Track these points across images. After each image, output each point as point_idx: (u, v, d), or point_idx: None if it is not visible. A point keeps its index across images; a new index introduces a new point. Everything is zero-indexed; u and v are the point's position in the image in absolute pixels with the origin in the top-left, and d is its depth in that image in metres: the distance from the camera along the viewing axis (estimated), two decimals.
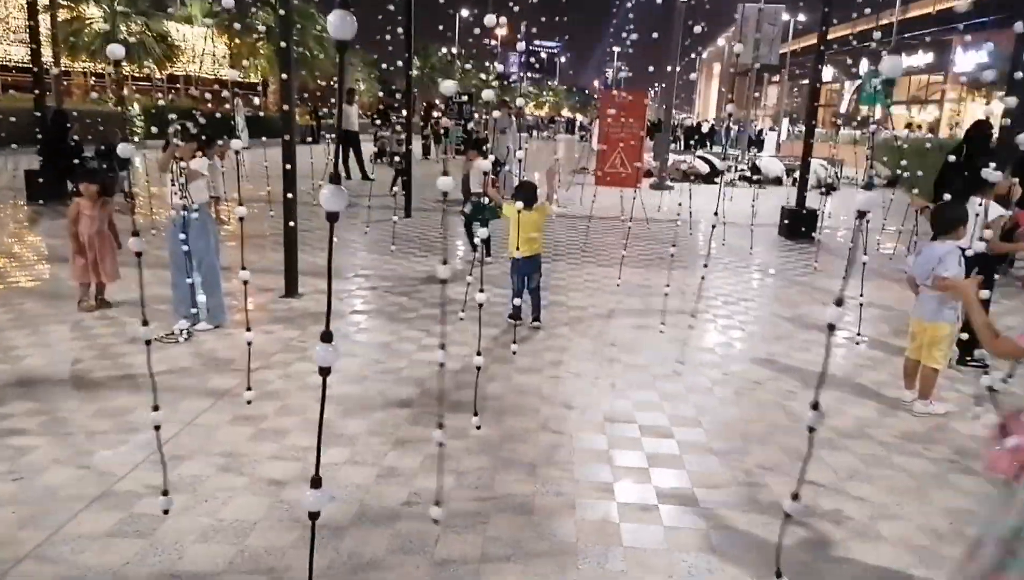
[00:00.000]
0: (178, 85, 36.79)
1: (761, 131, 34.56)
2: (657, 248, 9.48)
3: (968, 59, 37.20)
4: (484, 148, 8.47)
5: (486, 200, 7.26)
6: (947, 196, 4.74)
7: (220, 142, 10.02)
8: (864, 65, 39.55)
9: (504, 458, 3.63)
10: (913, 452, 3.91)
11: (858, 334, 5.66)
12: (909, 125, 29.66)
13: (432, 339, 5.36)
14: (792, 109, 48.86)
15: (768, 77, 58.32)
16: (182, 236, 5.19)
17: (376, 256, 8.45)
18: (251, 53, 35.79)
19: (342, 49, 1.34)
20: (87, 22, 24.52)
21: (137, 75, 29.41)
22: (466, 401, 4.20)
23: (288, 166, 6.20)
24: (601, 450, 3.78)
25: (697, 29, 14.85)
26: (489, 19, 3.19)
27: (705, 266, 5.38)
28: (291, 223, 6.26)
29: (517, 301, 5.58)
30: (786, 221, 10.90)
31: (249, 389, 3.47)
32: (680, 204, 8.61)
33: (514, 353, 5.00)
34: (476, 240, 7.63)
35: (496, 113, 12.98)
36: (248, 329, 3.21)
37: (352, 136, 16.81)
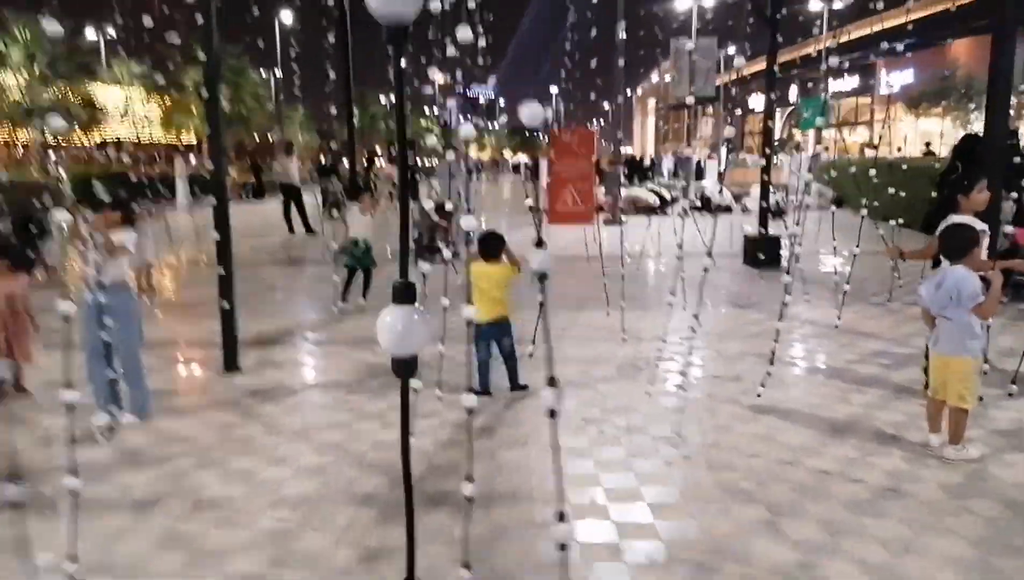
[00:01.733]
0: (110, 151, 35.58)
1: (699, 161, 35.00)
2: (632, 288, 9.03)
3: (894, 80, 38.56)
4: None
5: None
6: (954, 217, 4.36)
7: (139, 207, 9.26)
8: (794, 92, 40.73)
9: (499, 567, 3.01)
10: (961, 510, 3.42)
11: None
12: (871, 145, 30.37)
13: (394, 413, 4.71)
14: (729, 138, 49.87)
15: (703, 109, 59.73)
16: (102, 320, 4.47)
17: (325, 316, 7.78)
18: (184, 112, 34.93)
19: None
20: (3, 92, 23.45)
21: (63, 143, 28.22)
22: (444, 490, 3.58)
23: (218, 231, 5.55)
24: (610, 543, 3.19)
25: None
26: (434, 73, 2.78)
27: (696, 321, 4.89)
28: (225, 304, 5.58)
29: (478, 381, 5.06)
30: (751, 249, 10.58)
31: None
32: (656, 237, 8.19)
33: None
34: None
35: (449, 157, 12.62)
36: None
37: (294, 190, 16.14)
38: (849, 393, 5.06)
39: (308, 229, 15.48)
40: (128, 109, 31.70)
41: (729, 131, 23.95)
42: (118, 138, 34.04)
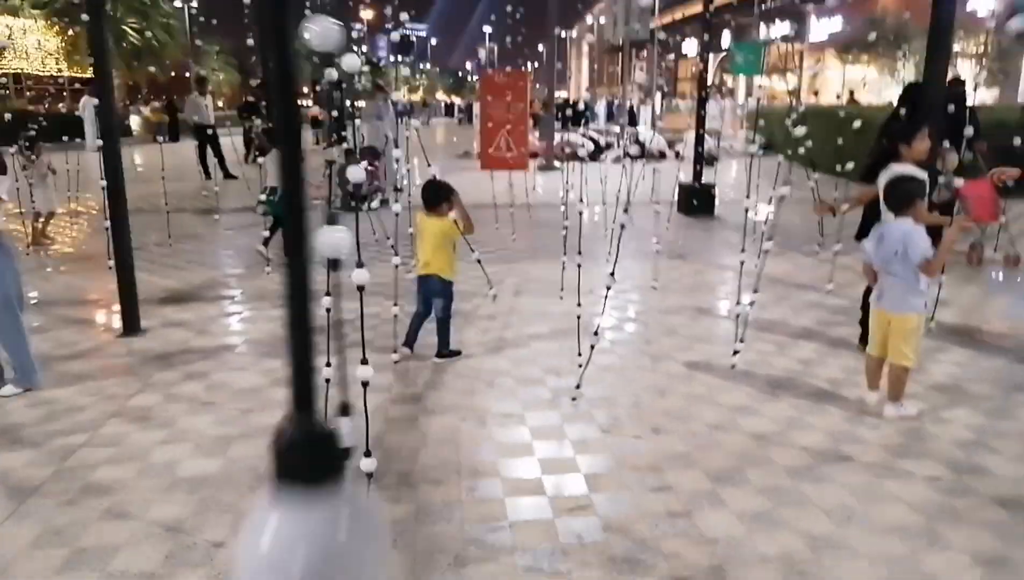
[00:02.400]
0: (8, 86, 32.86)
1: (632, 106, 34.78)
2: (570, 239, 8.75)
3: (822, 27, 38.92)
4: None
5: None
6: (895, 167, 4.20)
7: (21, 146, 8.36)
8: (727, 38, 40.67)
9: (423, 550, 2.74)
10: (904, 474, 3.31)
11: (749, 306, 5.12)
12: (793, 93, 30.55)
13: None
14: (662, 84, 49.73)
15: (636, 52, 59.30)
16: None
17: (243, 271, 7.25)
18: (88, 46, 32.44)
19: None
20: None
21: None
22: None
23: (107, 178, 4.99)
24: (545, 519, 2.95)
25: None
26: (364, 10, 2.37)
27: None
28: (114, 261, 5.05)
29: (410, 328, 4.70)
30: (685, 198, 10.42)
31: None
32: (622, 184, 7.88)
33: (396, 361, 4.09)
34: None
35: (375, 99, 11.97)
36: None
37: (207, 131, 15.17)
38: (785, 347, 4.96)
39: (226, 174, 14.60)
40: (20, 40, 29.21)
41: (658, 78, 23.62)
42: (16, 73, 31.46)
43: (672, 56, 55.46)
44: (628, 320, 5.65)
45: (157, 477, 3.23)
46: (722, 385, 4.29)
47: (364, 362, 2.89)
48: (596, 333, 4.17)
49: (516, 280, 6.76)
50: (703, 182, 10.57)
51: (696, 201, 10.27)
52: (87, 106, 23.26)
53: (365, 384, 2.79)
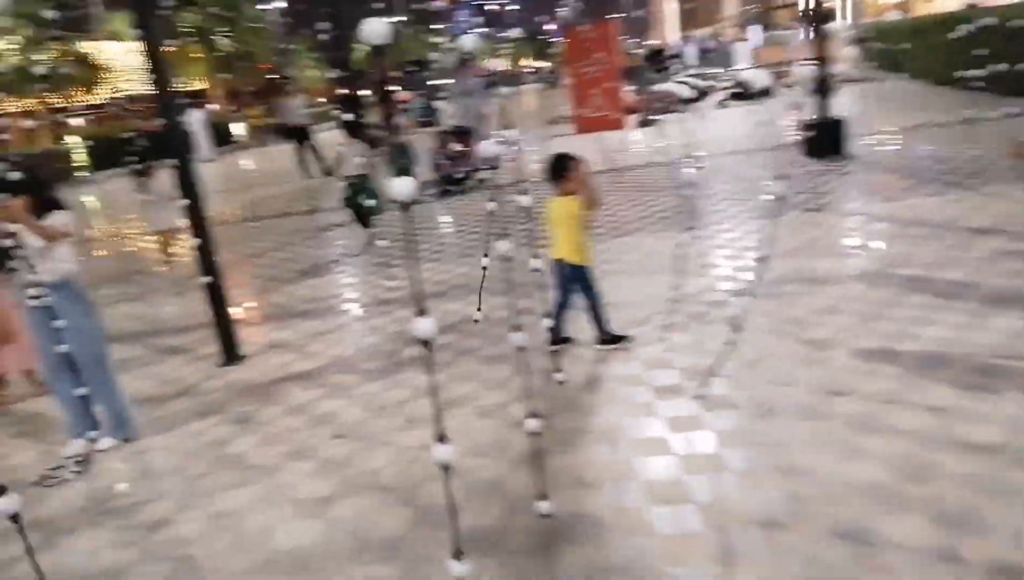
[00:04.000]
0: (118, 109, 34.69)
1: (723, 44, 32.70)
2: (681, 201, 7.92)
3: None
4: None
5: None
6: None
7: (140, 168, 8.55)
8: None
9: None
10: None
11: None
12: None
13: (422, 406, 3.86)
14: (756, 16, 46.63)
15: None
16: (51, 326, 3.65)
17: (343, 276, 6.92)
18: (186, 60, 33.63)
19: None
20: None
21: (67, 105, 27.42)
22: (488, 525, 2.73)
23: (188, 199, 4.66)
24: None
25: None
26: None
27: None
28: (208, 277, 4.73)
29: (552, 321, 4.13)
30: (810, 137, 9.25)
31: None
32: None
33: (561, 382, 3.56)
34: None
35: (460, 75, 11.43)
36: None
37: (300, 131, 15.12)
38: (984, 317, 4.01)
39: (327, 172, 14.55)
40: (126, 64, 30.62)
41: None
42: (125, 94, 33.12)
43: None
44: (772, 296, 4.83)
45: (251, 550, 2.81)
46: (912, 379, 3.46)
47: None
48: (735, 326, 3.44)
49: (634, 256, 6.05)
50: (829, 117, 9.36)
51: (824, 140, 9.09)
52: (195, 119, 24.10)
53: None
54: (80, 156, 22.20)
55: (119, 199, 15.01)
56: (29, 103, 25.89)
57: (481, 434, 3.43)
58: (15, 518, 1.53)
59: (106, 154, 21.52)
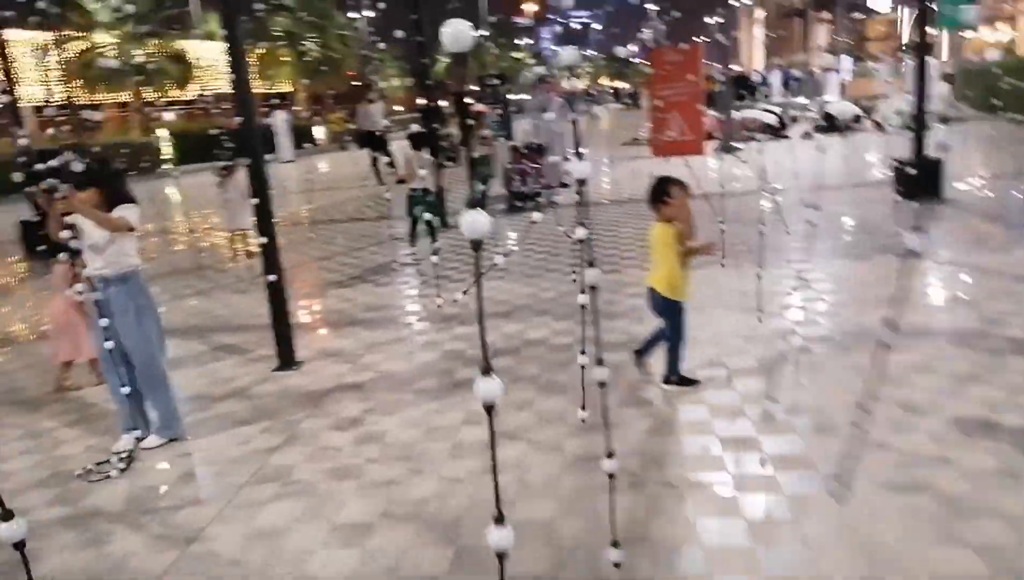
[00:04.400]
0: (207, 106, 35.99)
1: (811, 74, 31.74)
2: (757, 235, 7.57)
3: None
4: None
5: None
6: None
7: (222, 165, 8.83)
8: None
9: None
10: None
11: None
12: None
13: (476, 429, 3.68)
14: (848, 46, 45.25)
15: (815, 16, 54.66)
16: (103, 322, 3.64)
17: (407, 287, 6.85)
18: (275, 63, 34.68)
19: None
20: (97, 52, 23.56)
21: (158, 100, 28.53)
22: (539, 573, 2.52)
23: (257, 198, 4.63)
24: None
25: None
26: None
27: None
28: (271, 277, 4.69)
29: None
30: (904, 176, 8.74)
31: None
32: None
33: (583, 421, 3.30)
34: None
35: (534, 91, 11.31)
36: None
37: (377, 138, 15.30)
38: None
39: (399, 180, 14.66)
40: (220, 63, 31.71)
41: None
42: (214, 92, 34.32)
43: (858, 15, 50.48)
44: (857, 347, 4.47)
45: (285, 575, 2.67)
46: (1015, 457, 3.09)
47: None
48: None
49: (707, 291, 5.75)
50: (926, 156, 8.85)
51: (920, 181, 8.58)
52: (279, 120, 24.78)
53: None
54: (167, 149, 23.04)
55: (201, 194, 15.47)
56: (123, 95, 27.06)
57: (534, 471, 3.22)
58: (19, 546, 1.40)
59: (193, 149, 22.29)
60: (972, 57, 29.60)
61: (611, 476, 2.17)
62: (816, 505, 2.83)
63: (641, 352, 4.14)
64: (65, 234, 3.25)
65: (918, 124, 8.85)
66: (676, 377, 3.98)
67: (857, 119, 17.59)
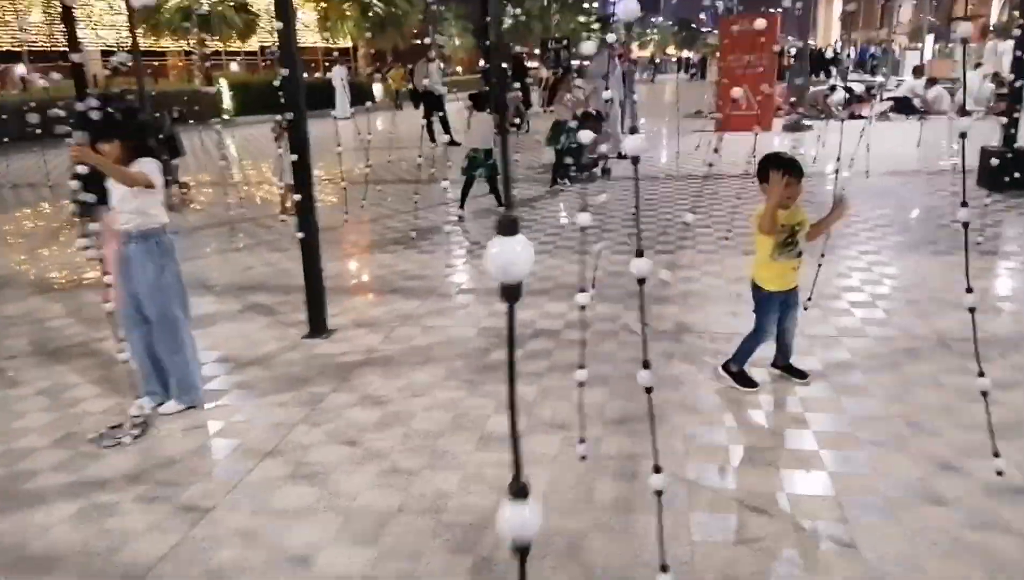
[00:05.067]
0: (270, 59, 36.07)
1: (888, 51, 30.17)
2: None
3: None
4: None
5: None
6: None
7: (280, 119, 8.69)
8: None
9: None
10: None
11: None
12: None
13: (503, 423, 3.41)
14: (931, 25, 42.82)
15: None
16: (123, 279, 3.46)
17: (449, 255, 6.59)
18: (339, 17, 34.49)
19: None
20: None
21: (219, 50, 28.66)
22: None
23: (297, 154, 4.40)
24: None
25: None
26: None
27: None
28: (301, 234, 4.47)
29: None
30: (990, 167, 8.06)
31: None
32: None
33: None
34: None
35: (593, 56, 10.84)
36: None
37: (435, 98, 14.98)
38: None
39: (452, 140, 14.40)
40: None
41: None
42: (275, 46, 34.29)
43: None
44: (939, 351, 4.04)
45: (288, 573, 2.45)
46: None
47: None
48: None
49: None
50: (1016, 146, 8.16)
51: (1007, 171, 7.90)
52: (337, 76, 24.64)
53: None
54: (227, 100, 23.17)
55: (256, 147, 15.43)
56: (187, 44, 27.23)
57: (565, 477, 2.94)
58: None
59: (253, 101, 22.39)
60: None
61: (659, 493, 1.88)
62: (891, 546, 2.48)
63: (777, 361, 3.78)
64: (74, 184, 3.05)
65: (1010, 110, 8.14)
66: (736, 368, 3.66)
67: (938, 103, 16.51)
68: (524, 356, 4.16)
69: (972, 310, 2.08)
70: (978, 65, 18.04)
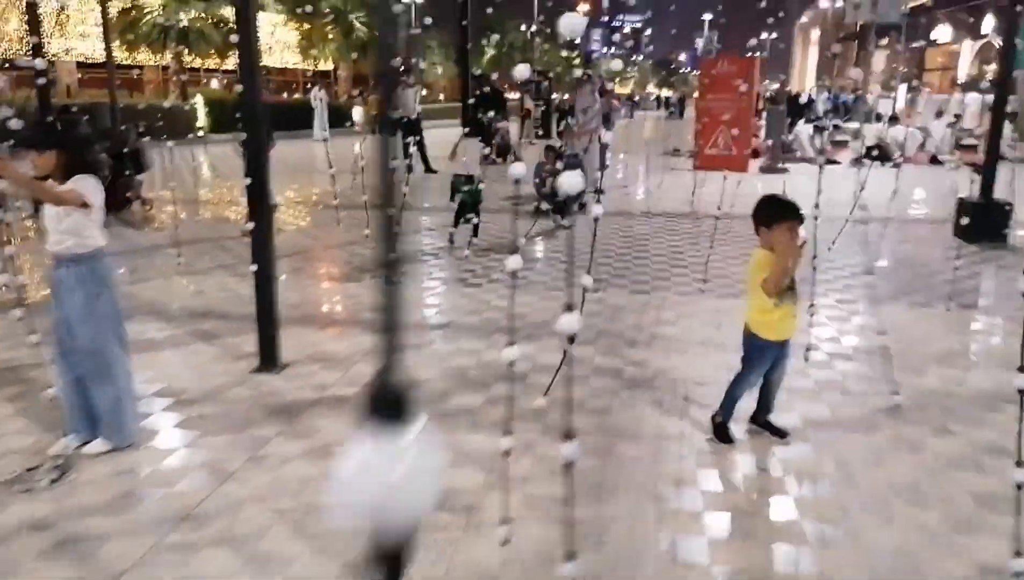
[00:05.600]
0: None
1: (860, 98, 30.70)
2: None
3: None
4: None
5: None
6: None
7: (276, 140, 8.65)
8: (989, 22, 34.76)
9: None
10: None
11: None
12: None
13: (467, 473, 3.13)
14: (904, 74, 43.90)
15: (876, 40, 53.19)
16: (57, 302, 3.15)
17: (423, 284, 6.33)
18: (322, 38, 34.45)
19: None
20: (145, 12, 23.40)
21: (197, 67, 28.37)
22: None
23: (250, 177, 4.13)
24: None
25: None
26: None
27: None
28: (254, 266, 4.19)
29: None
30: (966, 217, 8.02)
31: None
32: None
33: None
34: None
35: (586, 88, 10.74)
36: None
37: (412, 124, 14.80)
38: None
39: (427, 168, 14.22)
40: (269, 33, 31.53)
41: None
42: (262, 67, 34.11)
43: (919, 43, 48.96)
44: (918, 412, 3.86)
45: None
46: None
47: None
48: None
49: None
50: (992, 197, 8.14)
51: (982, 223, 7.87)
52: (316, 96, 24.44)
53: None
54: (202, 116, 22.81)
55: (228, 164, 15.09)
56: (164, 59, 26.92)
57: (526, 538, 2.67)
58: None
59: (229, 119, 22.05)
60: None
61: None
62: None
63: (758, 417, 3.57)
64: None
65: (988, 162, 8.14)
66: (721, 419, 3.44)
67: (922, 146, 16.73)
68: (485, 402, 3.89)
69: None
70: (940, 114, 18.37)
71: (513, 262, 1.95)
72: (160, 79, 31.25)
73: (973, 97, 22.24)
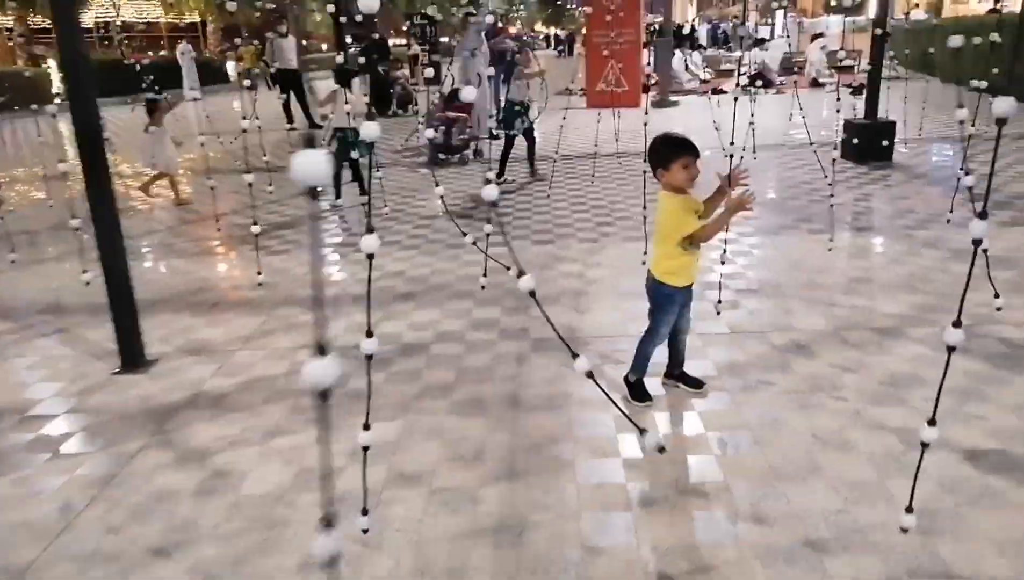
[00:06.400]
0: (108, 35, 32.94)
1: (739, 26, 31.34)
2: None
3: None
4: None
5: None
6: None
7: (166, 96, 8.05)
8: None
9: None
10: None
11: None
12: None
13: (349, 478, 2.80)
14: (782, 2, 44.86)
15: None
16: None
17: (293, 254, 5.82)
18: None
19: None
20: None
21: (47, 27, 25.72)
22: None
23: (82, 143, 3.54)
24: None
25: None
26: None
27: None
28: (107, 251, 3.62)
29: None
30: (854, 139, 8.08)
31: None
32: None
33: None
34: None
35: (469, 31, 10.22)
36: None
37: (290, 75, 13.91)
38: None
39: (311, 121, 13.43)
40: None
41: None
42: (111, 22, 31.39)
43: None
44: (837, 346, 3.77)
45: None
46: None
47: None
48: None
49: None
50: (879, 117, 8.26)
51: (869, 144, 7.96)
52: (182, 54, 22.66)
53: None
54: (57, 82, 20.78)
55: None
56: (5, 21, 24.29)
57: (433, 542, 2.37)
58: None
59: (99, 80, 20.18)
60: (901, 17, 29.57)
61: None
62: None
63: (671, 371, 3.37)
64: None
65: (872, 83, 8.22)
66: (635, 378, 3.24)
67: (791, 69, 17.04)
68: (385, 380, 3.54)
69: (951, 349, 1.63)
70: (816, 36, 18.77)
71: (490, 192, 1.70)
72: (3, 44, 28.22)
73: (835, 20, 22.90)
